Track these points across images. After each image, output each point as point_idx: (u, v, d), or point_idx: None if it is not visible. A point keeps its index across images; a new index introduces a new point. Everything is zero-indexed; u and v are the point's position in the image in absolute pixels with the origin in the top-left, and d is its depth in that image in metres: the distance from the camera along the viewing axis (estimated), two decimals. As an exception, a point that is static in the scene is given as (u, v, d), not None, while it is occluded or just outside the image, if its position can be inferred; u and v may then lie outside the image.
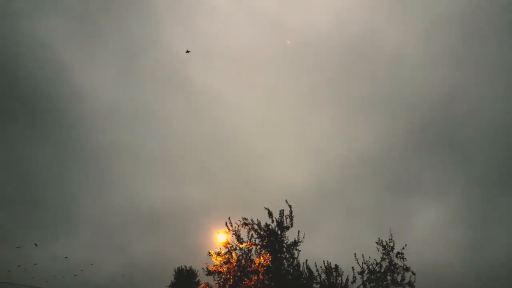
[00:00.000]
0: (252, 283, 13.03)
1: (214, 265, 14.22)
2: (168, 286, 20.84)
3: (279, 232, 14.33)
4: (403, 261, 14.21)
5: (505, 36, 44.11)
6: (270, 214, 14.41)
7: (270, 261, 13.70)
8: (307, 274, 14.17)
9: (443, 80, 45.53)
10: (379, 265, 14.31)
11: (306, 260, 14.29)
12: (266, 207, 14.51)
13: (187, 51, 23.36)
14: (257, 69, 49.13)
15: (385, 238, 14.63)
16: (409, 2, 47.15)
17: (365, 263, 14.32)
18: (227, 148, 46.30)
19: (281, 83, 49.77)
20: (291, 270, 14.10)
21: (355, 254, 14.33)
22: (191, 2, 49.25)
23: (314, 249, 14.58)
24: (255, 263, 13.69)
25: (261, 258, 13.54)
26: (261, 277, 13.15)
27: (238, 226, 14.50)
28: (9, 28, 41.96)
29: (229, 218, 14.69)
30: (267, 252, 13.93)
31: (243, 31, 49.79)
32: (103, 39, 47.09)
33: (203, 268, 14.80)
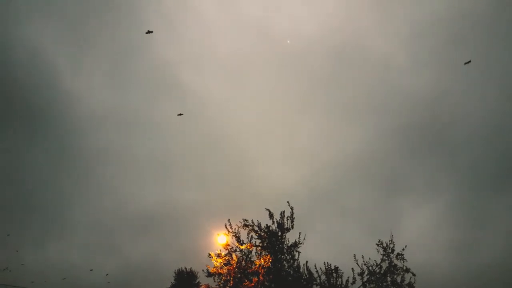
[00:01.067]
0: (252, 284, 13.02)
1: (214, 267, 14.21)
2: (168, 287, 20.84)
3: (279, 233, 14.34)
4: (403, 262, 14.26)
5: (491, 39, 45.22)
6: (271, 216, 14.42)
7: (270, 262, 13.71)
8: (307, 276, 14.19)
9: (430, 83, 46.69)
10: (379, 266, 14.34)
11: (307, 262, 14.33)
12: (267, 208, 14.55)
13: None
14: (248, 74, 50.03)
15: (380, 239, 14.73)
16: (395, 9, 48.35)
17: (365, 264, 14.35)
18: (219, 152, 46.77)
19: (272, 88, 50.59)
20: (292, 272, 14.11)
21: (354, 256, 14.36)
22: (179, 8, 49.71)
23: (307, 250, 14.70)
24: (255, 265, 13.68)
25: (262, 260, 13.54)
26: (261, 278, 13.15)
27: (238, 227, 14.51)
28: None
29: (229, 220, 14.71)
30: (267, 254, 13.93)
31: (232, 36, 50.62)
32: (93, 44, 47.53)
33: (203, 270, 14.81)
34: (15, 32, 42.74)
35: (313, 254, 14.86)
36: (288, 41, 49.87)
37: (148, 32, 21.45)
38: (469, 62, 19.07)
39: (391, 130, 45.55)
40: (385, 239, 14.46)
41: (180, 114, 24.54)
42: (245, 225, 14.40)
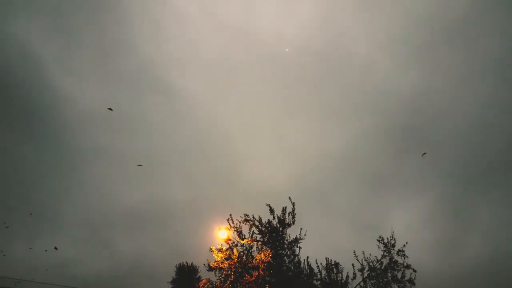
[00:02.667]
0: (253, 279, 13.07)
1: (215, 261, 14.25)
2: (169, 282, 20.92)
3: (280, 228, 14.37)
4: (404, 258, 14.29)
5: (471, 40, 46.76)
6: (271, 211, 14.44)
7: (271, 257, 13.76)
8: (308, 271, 14.24)
9: (413, 84, 47.93)
10: (379, 262, 14.37)
11: (307, 257, 14.38)
12: (268, 203, 14.59)
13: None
14: (234, 77, 51.08)
15: (381, 235, 14.76)
16: (377, 12, 49.75)
17: (365, 260, 14.39)
18: (208, 151, 47.63)
19: (259, 90, 51.69)
20: (292, 267, 14.15)
21: (354, 252, 14.40)
22: (166, 11, 50.67)
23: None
24: (256, 259, 13.73)
25: (262, 254, 13.58)
26: (261, 272, 13.19)
27: (240, 222, 14.54)
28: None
29: (230, 215, 14.74)
30: (268, 249, 13.97)
31: (217, 40, 51.64)
32: (79, 44, 47.98)
33: (204, 264, 14.89)
34: (1, 30, 42.80)
35: (302, 251, 14.95)
36: (287, 50, 51.76)
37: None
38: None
39: (376, 130, 46.89)
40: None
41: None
42: (246, 220, 14.44)
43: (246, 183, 43.11)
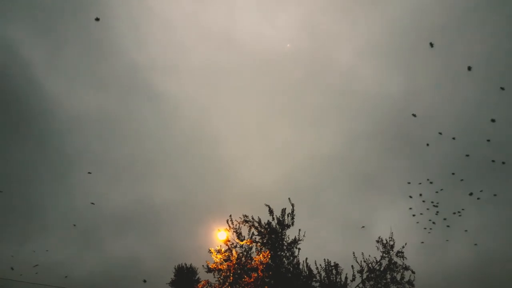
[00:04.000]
0: (252, 280, 13.06)
1: (214, 263, 14.24)
2: (168, 283, 20.87)
3: (280, 230, 14.36)
4: (403, 260, 14.31)
5: (455, 42, 47.71)
6: (270, 212, 14.44)
7: (270, 258, 13.75)
8: (307, 273, 14.23)
9: (398, 85, 49.17)
10: (378, 263, 14.38)
11: (306, 259, 14.38)
12: (267, 204, 14.57)
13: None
14: (221, 81, 51.89)
15: (380, 236, 14.78)
16: (360, 17, 50.80)
17: (364, 261, 14.40)
18: (197, 153, 47.90)
19: (246, 94, 52.61)
20: (291, 268, 14.14)
21: (353, 253, 14.42)
22: (151, 17, 50.80)
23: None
24: (254, 261, 13.72)
25: (261, 256, 13.58)
26: (260, 274, 13.18)
27: (239, 223, 14.52)
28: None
29: (230, 215, 14.71)
30: (266, 250, 13.96)
31: (203, 44, 52.28)
32: (66, 45, 47.95)
33: (203, 266, 14.82)
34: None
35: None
36: (288, 45, 52.62)
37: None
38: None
39: (362, 132, 47.76)
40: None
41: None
42: (245, 221, 14.43)
43: (236, 185, 43.79)
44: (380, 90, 49.08)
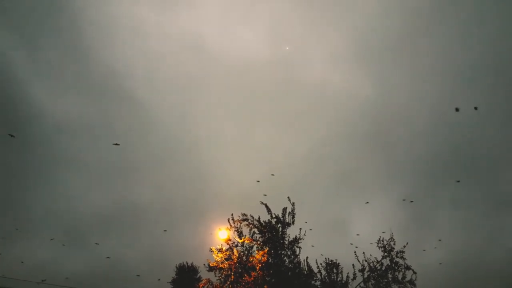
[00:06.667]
0: (252, 279, 13.08)
1: (215, 261, 14.28)
2: (170, 282, 20.94)
3: (280, 228, 14.37)
4: (404, 260, 14.28)
5: (426, 44, 50.94)
6: (268, 210, 14.44)
7: (271, 257, 13.78)
8: (308, 271, 14.24)
9: (369, 88, 51.91)
10: (380, 263, 14.36)
11: (307, 257, 14.37)
12: (264, 202, 14.53)
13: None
14: (199, 87, 54.07)
15: (380, 236, 14.78)
16: (330, 23, 53.84)
17: (366, 260, 14.39)
18: (178, 158, 48.97)
19: (224, 100, 54.36)
20: (292, 267, 14.14)
21: (355, 252, 14.41)
22: (128, 25, 52.33)
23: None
24: (255, 259, 13.75)
25: (259, 255, 13.62)
26: (259, 273, 13.20)
27: (240, 223, 14.55)
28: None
29: (232, 214, 14.73)
30: (266, 248, 13.98)
31: (178, 54, 54.13)
32: (39, 48, 48.78)
33: (204, 264, 14.87)
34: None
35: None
36: (287, 48, 55.51)
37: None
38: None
39: (337, 134, 49.28)
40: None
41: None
42: (244, 220, 14.46)
43: (217, 187, 44.26)
44: (353, 92, 51.62)
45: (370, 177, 45.09)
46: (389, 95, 51.35)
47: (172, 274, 21.28)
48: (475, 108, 25.50)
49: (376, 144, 48.34)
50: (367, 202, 22.09)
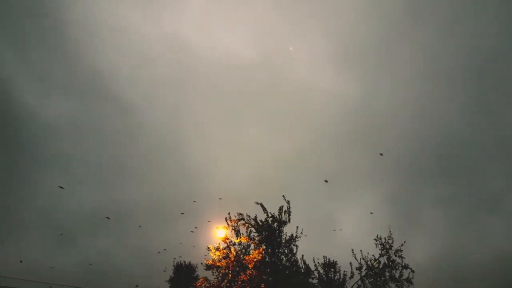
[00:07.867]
0: (247, 277, 13.08)
1: (212, 260, 14.28)
2: (167, 280, 20.96)
3: (277, 227, 14.34)
4: (402, 258, 14.25)
5: (414, 42, 52.97)
6: (264, 209, 14.41)
7: (268, 255, 13.76)
8: (305, 270, 14.22)
9: (358, 88, 53.62)
10: (377, 261, 14.34)
11: (303, 256, 14.35)
12: (260, 202, 14.46)
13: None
14: (187, 90, 55.09)
15: (378, 234, 14.75)
16: (317, 24, 55.65)
17: (363, 258, 14.37)
18: (167, 157, 49.56)
19: (212, 101, 55.50)
20: (289, 265, 14.13)
21: (352, 250, 14.38)
22: (115, 28, 53.05)
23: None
24: (250, 257, 13.73)
25: (255, 253, 13.62)
26: (254, 272, 13.19)
27: (237, 222, 14.53)
28: None
29: (229, 213, 14.72)
30: (260, 247, 13.98)
31: (165, 55, 55.05)
32: (28, 51, 49.12)
33: (202, 263, 14.86)
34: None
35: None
36: (291, 48, 57.49)
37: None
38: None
39: (323, 134, 50.35)
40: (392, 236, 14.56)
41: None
42: (240, 219, 14.45)
43: (207, 186, 44.25)
44: (338, 94, 52.91)
45: (356, 176, 46.08)
46: (373, 96, 53.40)
47: (159, 275, 21.33)
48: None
49: (360, 143, 49.60)
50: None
